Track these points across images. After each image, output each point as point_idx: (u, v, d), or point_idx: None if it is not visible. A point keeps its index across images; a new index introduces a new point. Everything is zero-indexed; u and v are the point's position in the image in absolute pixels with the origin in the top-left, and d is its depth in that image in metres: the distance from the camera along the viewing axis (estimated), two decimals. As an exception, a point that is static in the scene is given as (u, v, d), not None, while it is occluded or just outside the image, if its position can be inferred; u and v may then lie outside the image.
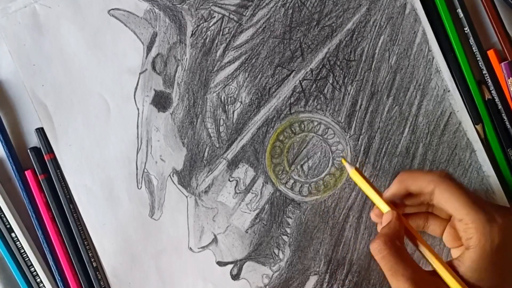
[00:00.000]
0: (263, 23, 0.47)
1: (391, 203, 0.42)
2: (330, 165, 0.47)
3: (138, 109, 0.47)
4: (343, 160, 0.46)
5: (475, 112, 0.47)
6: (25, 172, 0.47)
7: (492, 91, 0.47)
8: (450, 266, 0.38)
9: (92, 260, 0.47)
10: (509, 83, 0.46)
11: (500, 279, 0.37)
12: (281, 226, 0.47)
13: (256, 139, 0.47)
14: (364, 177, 0.43)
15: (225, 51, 0.47)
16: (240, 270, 0.47)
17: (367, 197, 0.47)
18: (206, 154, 0.47)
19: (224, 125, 0.47)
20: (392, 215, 0.40)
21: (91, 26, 0.47)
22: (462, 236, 0.38)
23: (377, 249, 0.37)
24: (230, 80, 0.47)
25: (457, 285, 0.37)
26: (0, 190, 0.47)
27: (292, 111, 0.47)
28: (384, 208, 0.41)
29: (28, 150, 0.47)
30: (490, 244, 0.36)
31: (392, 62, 0.47)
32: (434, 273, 0.38)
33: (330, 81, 0.47)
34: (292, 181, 0.47)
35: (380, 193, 0.42)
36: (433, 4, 0.47)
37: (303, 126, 0.47)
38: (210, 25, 0.47)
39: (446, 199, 0.38)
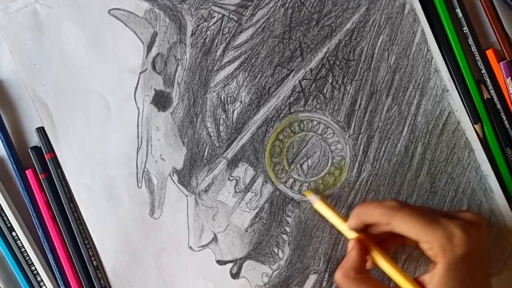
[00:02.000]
0: (263, 23, 0.47)
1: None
2: (329, 164, 0.47)
3: (138, 108, 0.47)
4: (306, 193, 0.47)
5: (474, 111, 0.47)
6: (26, 171, 0.47)
7: (491, 91, 0.47)
8: (420, 281, 0.40)
9: (92, 258, 0.47)
10: (508, 82, 0.47)
11: None
12: (281, 225, 0.47)
13: (255, 139, 0.47)
14: (330, 207, 0.45)
15: (225, 51, 0.47)
16: (240, 269, 0.47)
17: (366, 196, 0.47)
18: (206, 153, 0.47)
19: (224, 124, 0.47)
20: (350, 245, 0.42)
21: (91, 25, 0.47)
22: (430, 255, 0.39)
23: (338, 282, 0.41)
24: (230, 80, 0.47)
25: None
26: (1, 189, 0.47)
27: (291, 111, 0.47)
28: (349, 235, 0.43)
29: (29, 149, 0.47)
30: (454, 257, 0.38)
31: (391, 61, 0.47)
32: None
33: (330, 81, 0.47)
34: (291, 180, 0.47)
35: (345, 221, 0.43)
36: (432, 4, 0.47)
37: (302, 125, 0.47)
38: (210, 25, 0.47)
39: (403, 228, 0.39)
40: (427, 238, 0.38)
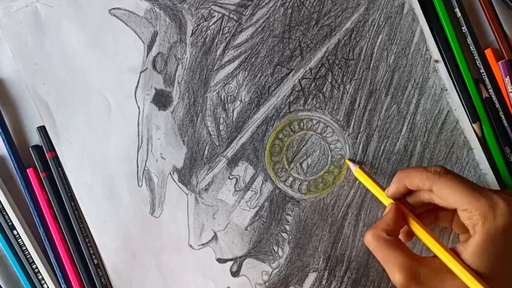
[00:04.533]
0: (263, 22, 0.47)
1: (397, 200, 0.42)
2: (329, 163, 0.48)
3: (138, 107, 0.47)
4: (347, 160, 0.47)
5: (473, 110, 0.47)
6: (27, 170, 0.47)
7: (490, 90, 0.47)
8: (453, 251, 0.38)
9: (93, 257, 0.47)
10: (506, 81, 0.47)
11: (503, 263, 0.37)
12: (281, 223, 0.47)
13: (255, 137, 0.48)
14: (369, 175, 0.45)
15: (225, 50, 0.47)
16: (239, 267, 0.47)
17: (365, 195, 0.47)
18: (206, 152, 0.48)
19: (224, 123, 0.48)
20: (387, 208, 0.41)
21: (92, 25, 0.47)
22: (468, 225, 0.38)
23: (367, 241, 0.40)
24: (230, 79, 0.47)
25: (458, 266, 0.37)
26: (2, 188, 0.47)
27: (291, 110, 0.48)
28: (386, 201, 0.42)
29: (30, 148, 0.47)
30: (495, 228, 0.37)
31: (390, 61, 0.47)
32: (436, 258, 0.39)
33: (329, 80, 0.47)
34: (291, 178, 0.48)
35: (383, 189, 0.43)
36: (431, 4, 0.47)
37: (302, 124, 0.48)
38: (210, 24, 0.47)
39: (445, 195, 0.39)
40: (469, 206, 0.37)
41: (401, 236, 0.42)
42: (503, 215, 0.37)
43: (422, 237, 0.40)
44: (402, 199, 0.42)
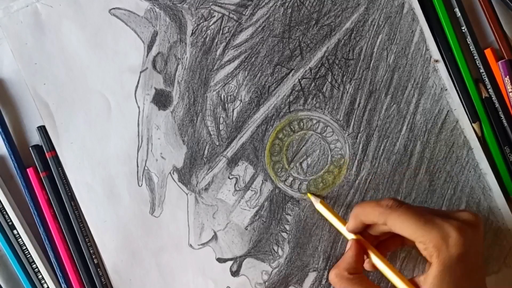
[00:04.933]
0: (263, 22, 0.47)
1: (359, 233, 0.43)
2: (328, 162, 0.48)
3: (138, 107, 0.47)
4: (308, 195, 0.47)
5: (472, 110, 0.47)
6: (27, 169, 0.47)
7: (489, 90, 0.47)
8: (413, 283, 0.40)
9: (93, 256, 0.47)
10: (506, 81, 0.47)
11: None
12: (280, 223, 0.47)
13: (255, 137, 0.48)
14: (330, 209, 0.46)
15: (225, 50, 0.47)
16: (239, 266, 0.48)
17: (365, 195, 0.47)
18: (206, 152, 0.48)
19: (224, 123, 0.48)
20: (348, 245, 0.43)
21: (92, 25, 0.47)
22: (425, 255, 0.39)
23: (331, 281, 0.42)
24: (230, 79, 0.47)
25: None
26: (2, 188, 0.47)
27: (291, 110, 0.48)
28: (349, 236, 0.43)
29: (30, 148, 0.47)
30: (449, 258, 0.37)
31: (390, 61, 0.47)
32: None
33: (329, 80, 0.47)
34: (291, 178, 0.48)
35: (345, 223, 0.44)
36: (430, 4, 0.47)
37: (302, 124, 0.48)
38: (210, 24, 0.47)
39: (399, 228, 0.39)
40: (422, 238, 0.38)
41: (367, 265, 0.43)
42: (456, 245, 0.37)
43: (383, 270, 0.41)
44: (364, 232, 0.43)
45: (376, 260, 0.42)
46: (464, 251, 0.37)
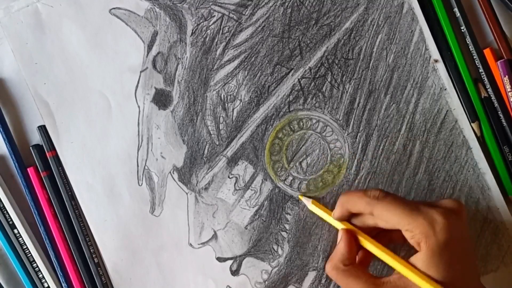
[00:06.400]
0: (262, 22, 0.48)
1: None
2: (328, 162, 0.48)
3: (139, 107, 0.48)
4: (300, 196, 0.47)
5: (472, 110, 0.48)
6: (28, 169, 0.47)
7: (488, 89, 0.48)
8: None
9: (93, 256, 0.48)
10: (505, 81, 0.47)
11: (452, 273, 0.38)
12: (280, 222, 0.48)
13: (255, 137, 0.48)
14: (322, 207, 0.46)
15: (224, 50, 0.48)
16: (239, 265, 0.48)
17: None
18: (206, 151, 0.48)
19: (223, 122, 0.48)
20: (339, 236, 0.43)
21: (92, 25, 0.47)
22: (413, 243, 0.39)
23: (327, 273, 0.43)
24: (230, 78, 0.48)
25: (418, 274, 0.38)
26: (3, 187, 0.47)
27: (291, 109, 0.48)
28: (338, 226, 0.44)
29: (31, 148, 0.48)
30: (437, 243, 0.38)
31: (390, 60, 0.48)
32: (392, 277, 0.40)
33: (329, 80, 0.48)
34: (291, 178, 0.48)
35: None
36: (430, 4, 0.48)
37: (301, 123, 0.48)
38: (210, 24, 0.48)
39: (386, 218, 0.40)
40: (409, 226, 0.38)
41: (361, 256, 0.43)
42: (443, 229, 0.38)
43: (378, 253, 0.41)
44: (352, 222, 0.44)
45: (369, 245, 0.42)
46: (451, 236, 0.38)
